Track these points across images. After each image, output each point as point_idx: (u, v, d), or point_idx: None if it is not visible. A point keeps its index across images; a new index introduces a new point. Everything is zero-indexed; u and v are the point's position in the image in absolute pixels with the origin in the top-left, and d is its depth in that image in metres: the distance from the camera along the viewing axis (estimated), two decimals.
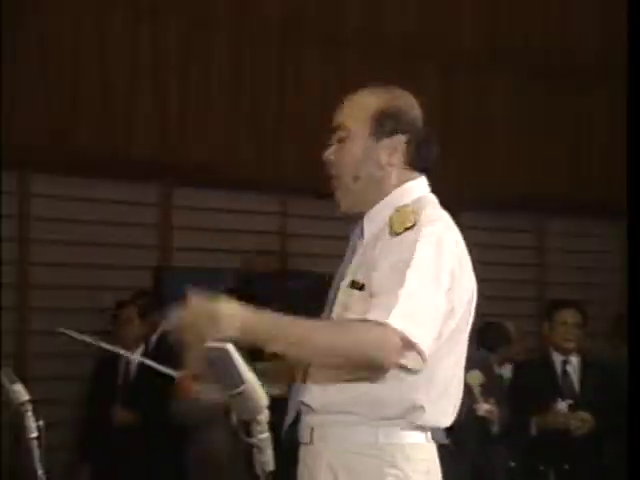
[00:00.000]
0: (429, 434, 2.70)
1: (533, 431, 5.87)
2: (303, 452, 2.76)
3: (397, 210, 2.69)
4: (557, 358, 6.11)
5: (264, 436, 2.37)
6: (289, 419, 2.76)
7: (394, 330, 2.47)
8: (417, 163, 2.79)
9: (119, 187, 8.00)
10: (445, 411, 2.71)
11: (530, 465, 5.93)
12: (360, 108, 2.77)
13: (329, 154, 2.80)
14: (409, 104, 2.81)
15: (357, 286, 2.67)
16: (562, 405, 5.87)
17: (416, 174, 2.80)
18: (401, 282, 2.52)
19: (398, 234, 2.62)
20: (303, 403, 2.73)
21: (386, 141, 2.75)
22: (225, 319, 2.45)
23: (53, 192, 7.79)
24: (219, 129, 8.42)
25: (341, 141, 2.78)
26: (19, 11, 7.52)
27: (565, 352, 6.08)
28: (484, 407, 5.35)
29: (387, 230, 2.66)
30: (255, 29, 8.59)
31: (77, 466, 6.67)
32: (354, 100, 2.81)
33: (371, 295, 2.58)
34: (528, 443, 5.92)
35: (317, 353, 2.55)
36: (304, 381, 2.73)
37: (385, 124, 2.75)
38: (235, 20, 8.52)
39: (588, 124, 10.29)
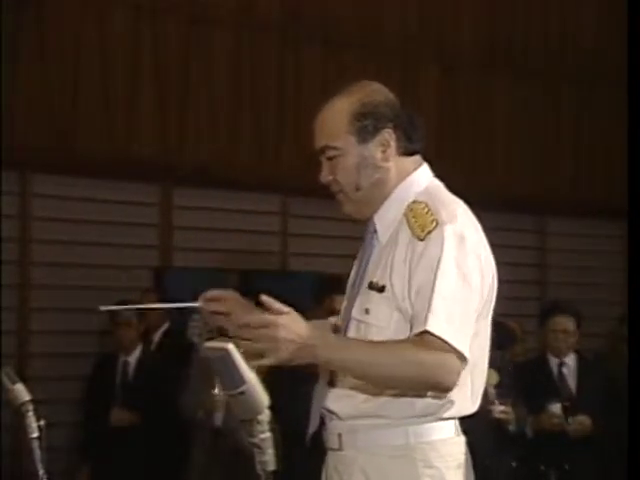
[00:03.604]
0: (458, 426, 2.69)
1: (529, 433, 5.87)
2: (332, 458, 2.73)
3: (410, 208, 2.65)
4: (553, 360, 6.11)
5: (265, 436, 2.37)
6: (313, 425, 2.74)
7: (448, 347, 2.49)
8: (411, 147, 2.75)
9: (119, 187, 8.00)
10: (469, 400, 2.69)
11: (531, 465, 5.93)
12: (337, 121, 2.71)
13: (325, 176, 2.75)
14: (380, 93, 2.76)
15: (376, 287, 2.65)
16: (556, 407, 5.86)
17: (415, 160, 2.77)
18: (435, 290, 2.53)
19: (422, 239, 2.59)
20: (328, 410, 2.71)
21: (375, 140, 2.71)
22: (286, 341, 2.43)
23: (53, 192, 7.79)
24: (219, 129, 8.42)
25: (331, 159, 2.73)
26: (19, 11, 7.52)
27: (565, 352, 6.08)
28: (499, 408, 5.31)
29: (406, 230, 2.63)
30: (255, 30, 8.59)
31: (77, 466, 6.67)
32: (328, 115, 2.74)
33: (409, 300, 2.58)
34: (529, 443, 5.91)
35: (378, 381, 2.56)
36: (331, 385, 2.71)
37: (367, 124, 2.70)
38: (235, 20, 8.52)
39: (588, 124, 10.29)
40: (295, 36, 8.77)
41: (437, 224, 2.58)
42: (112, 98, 7.96)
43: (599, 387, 5.99)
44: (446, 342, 2.49)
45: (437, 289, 2.52)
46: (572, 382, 6.06)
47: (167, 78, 8.23)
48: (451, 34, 9.58)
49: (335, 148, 2.72)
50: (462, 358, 2.52)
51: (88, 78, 7.86)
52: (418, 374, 2.50)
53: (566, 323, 6.06)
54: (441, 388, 2.54)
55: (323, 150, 2.74)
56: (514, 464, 5.91)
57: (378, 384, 2.57)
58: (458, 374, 2.52)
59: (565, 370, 6.08)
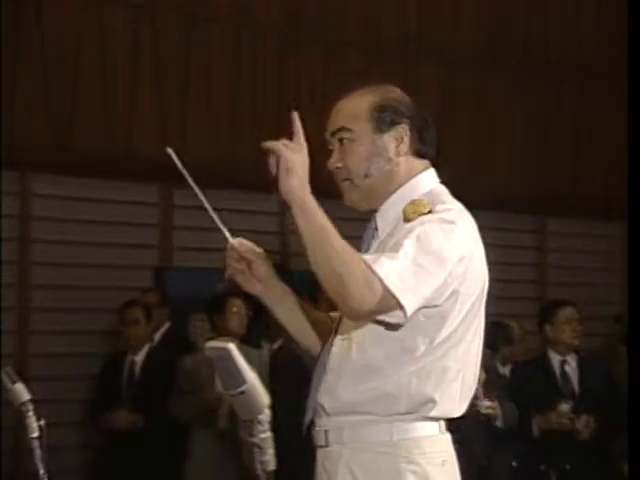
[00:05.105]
0: (442, 425, 2.70)
1: (535, 432, 5.87)
2: (320, 455, 2.76)
3: (411, 204, 2.69)
4: (555, 359, 6.10)
5: (265, 435, 2.37)
6: (307, 419, 2.76)
7: (381, 281, 2.48)
8: (422, 149, 2.79)
9: (119, 187, 8.00)
10: (457, 402, 2.70)
11: (532, 465, 5.93)
12: (357, 108, 2.77)
13: (334, 162, 2.78)
14: (401, 94, 2.83)
15: None
16: (565, 407, 5.87)
17: (424, 163, 2.80)
18: (402, 246, 2.54)
19: (411, 220, 2.64)
20: (317, 403, 2.73)
21: (391, 132, 2.75)
22: (296, 175, 2.75)
23: (53, 192, 7.79)
24: (219, 129, 8.42)
25: (343, 144, 2.77)
26: (20, 11, 7.52)
27: (567, 350, 6.07)
28: (485, 404, 5.32)
29: (401, 223, 2.67)
30: (255, 30, 8.59)
31: (79, 466, 6.68)
32: (348, 102, 2.80)
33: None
34: (530, 443, 5.91)
35: (319, 256, 2.54)
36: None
37: (385, 116, 2.75)
38: (235, 20, 8.52)
39: (588, 124, 10.29)
40: (295, 36, 8.77)
41: (430, 211, 2.64)
42: (112, 98, 7.95)
43: (601, 386, 5.99)
44: (387, 287, 2.47)
45: (406, 248, 2.52)
46: (575, 381, 6.06)
47: (167, 77, 8.23)
48: (451, 34, 9.58)
49: (350, 130, 2.76)
50: (402, 308, 2.49)
51: (88, 78, 7.86)
52: (350, 273, 2.47)
53: (575, 313, 6.10)
54: (352, 299, 2.49)
55: (337, 132, 2.78)
56: (514, 464, 5.92)
57: (316, 259, 2.54)
58: (376, 301, 2.47)
59: (568, 369, 6.08)
